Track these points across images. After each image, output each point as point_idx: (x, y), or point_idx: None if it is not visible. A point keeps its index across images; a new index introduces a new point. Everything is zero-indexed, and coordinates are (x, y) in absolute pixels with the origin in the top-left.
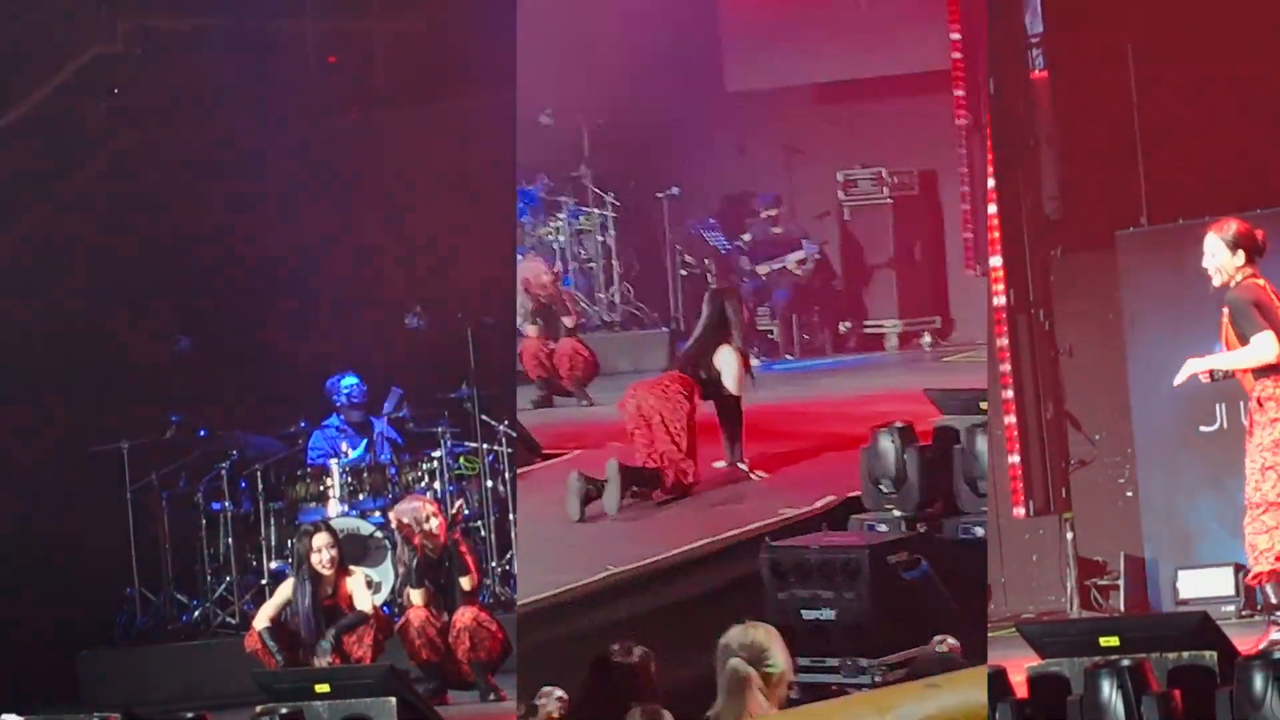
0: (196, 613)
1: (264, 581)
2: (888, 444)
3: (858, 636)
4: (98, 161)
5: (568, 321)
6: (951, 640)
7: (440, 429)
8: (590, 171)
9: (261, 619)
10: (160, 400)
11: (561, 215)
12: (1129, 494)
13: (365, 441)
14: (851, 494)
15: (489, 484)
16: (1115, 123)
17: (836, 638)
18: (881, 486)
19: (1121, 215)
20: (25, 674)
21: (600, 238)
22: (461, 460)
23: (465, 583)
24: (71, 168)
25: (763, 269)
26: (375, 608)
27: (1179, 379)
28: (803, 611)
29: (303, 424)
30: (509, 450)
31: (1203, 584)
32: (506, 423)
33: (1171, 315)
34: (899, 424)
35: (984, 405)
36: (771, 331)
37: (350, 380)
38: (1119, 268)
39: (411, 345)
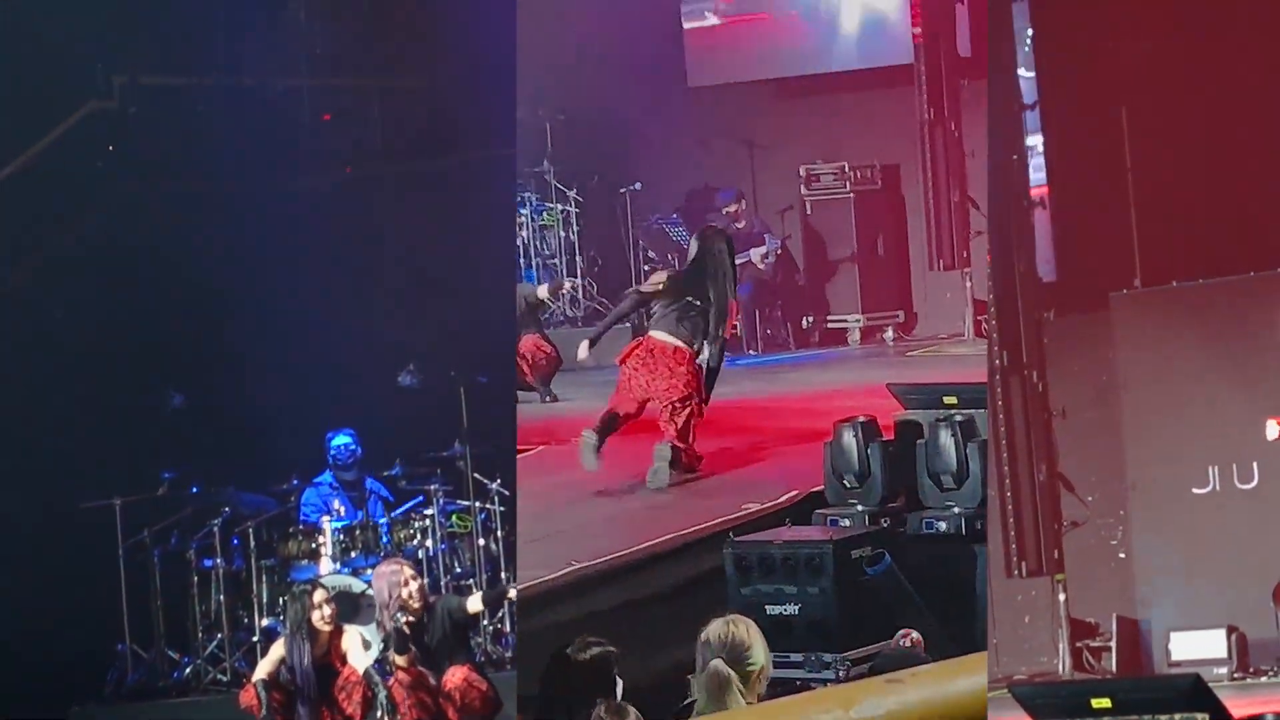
0: (188, 669)
1: (255, 638)
2: (850, 439)
3: (821, 632)
4: (92, 217)
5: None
6: (915, 634)
7: (433, 487)
8: (552, 167)
9: (259, 673)
10: (153, 456)
11: (524, 211)
12: (1121, 555)
13: (356, 501)
14: (815, 489)
15: (481, 542)
16: (1109, 185)
17: (800, 633)
18: (845, 481)
19: (1115, 277)
20: None
21: (563, 233)
22: (454, 518)
23: (472, 603)
24: (66, 223)
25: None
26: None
27: None
28: (766, 607)
29: (295, 481)
30: (501, 509)
31: (1196, 646)
32: (499, 481)
33: (1165, 377)
34: (862, 419)
35: (947, 400)
36: (735, 327)
37: (342, 439)
38: (1112, 329)
39: (405, 403)
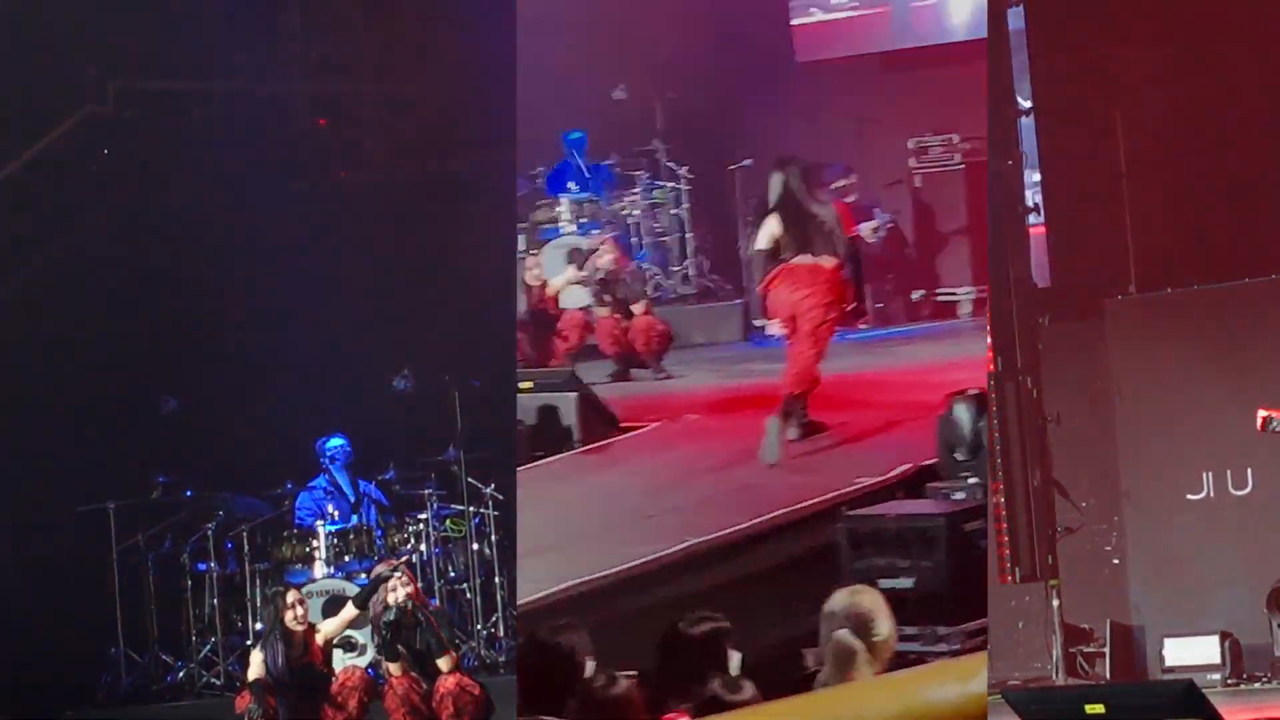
0: (181, 673)
1: (249, 642)
2: (963, 412)
3: (935, 605)
4: (86, 222)
5: (637, 309)
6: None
7: (427, 491)
8: (663, 146)
9: (251, 677)
10: (147, 461)
11: (636, 190)
12: (1115, 561)
13: (352, 503)
14: (927, 462)
15: (475, 547)
16: (1104, 191)
17: (914, 607)
18: (957, 454)
19: (1110, 283)
20: None
21: (674, 211)
22: (448, 523)
23: (444, 663)
24: (60, 229)
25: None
26: (363, 671)
27: None
28: (879, 581)
29: (289, 485)
30: (495, 513)
31: (1189, 652)
32: (493, 486)
33: (1159, 383)
34: (974, 391)
35: None
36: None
37: (337, 441)
38: (1107, 336)
39: (399, 407)
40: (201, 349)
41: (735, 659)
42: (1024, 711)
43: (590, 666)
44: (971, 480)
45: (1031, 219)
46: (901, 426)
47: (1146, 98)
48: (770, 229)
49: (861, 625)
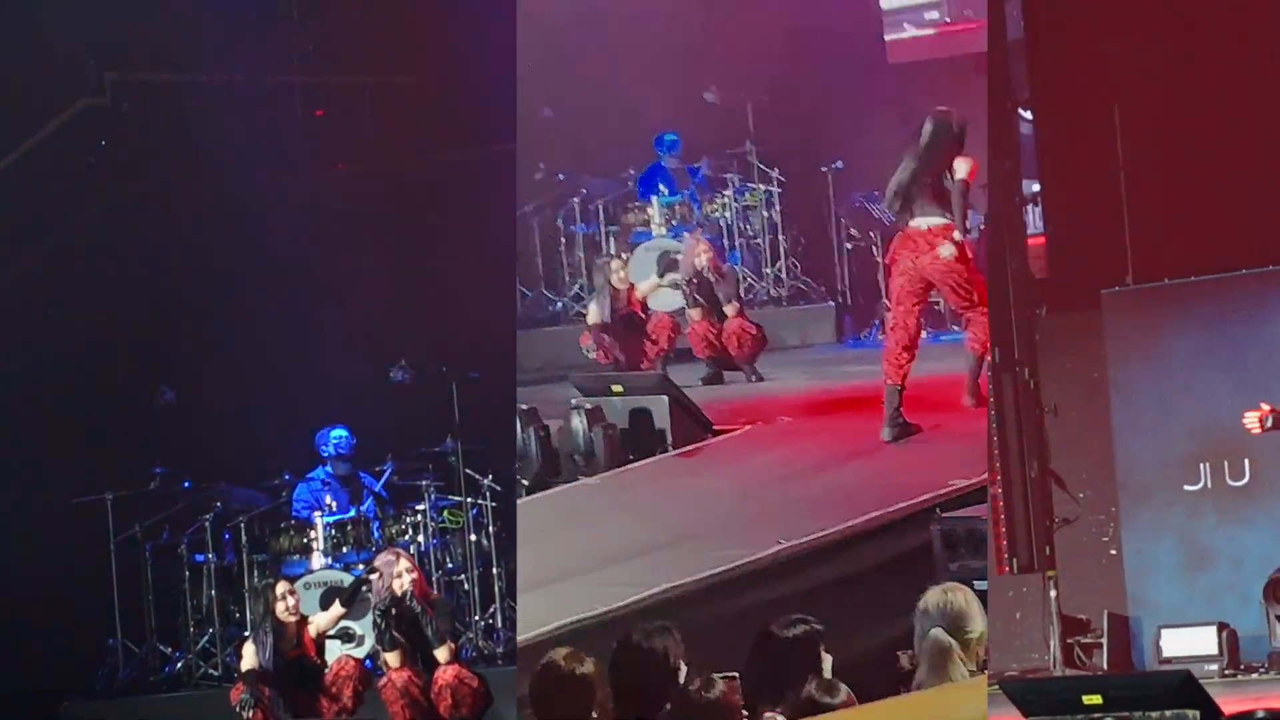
0: (179, 664)
1: (246, 633)
2: None
3: None
4: (84, 213)
5: (729, 311)
6: None
7: (425, 483)
8: (755, 148)
9: (245, 667)
10: (144, 452)
11: (727, 192)
12: (1113, 552)
13: (351, 496)
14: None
15: (473, 538)
16: (1101, 183)
17: None
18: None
19: (1107, 274)
20: None
21: (766, 213)
22: (445, 514)
23: (443, 654)
24: (58, 219)
25: None
26: (357, 660)
27: None
28: (974, 583)
29: (286, 476)
30: (493, 504)
31: (1186, 643)
32: (490, 477)
33: (1156, 374)
34: None
35: None
36: (938, 303)
37: (339, 432)
38: (1104, 327)
39: (396, 398)
40: (198, 340)
41: (828, 662)
42: (1021, 702)
43: (684, 670)
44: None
45: (1029, 209)
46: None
47: (1144, 90)
48: (901, 175)
49: (955, 623)
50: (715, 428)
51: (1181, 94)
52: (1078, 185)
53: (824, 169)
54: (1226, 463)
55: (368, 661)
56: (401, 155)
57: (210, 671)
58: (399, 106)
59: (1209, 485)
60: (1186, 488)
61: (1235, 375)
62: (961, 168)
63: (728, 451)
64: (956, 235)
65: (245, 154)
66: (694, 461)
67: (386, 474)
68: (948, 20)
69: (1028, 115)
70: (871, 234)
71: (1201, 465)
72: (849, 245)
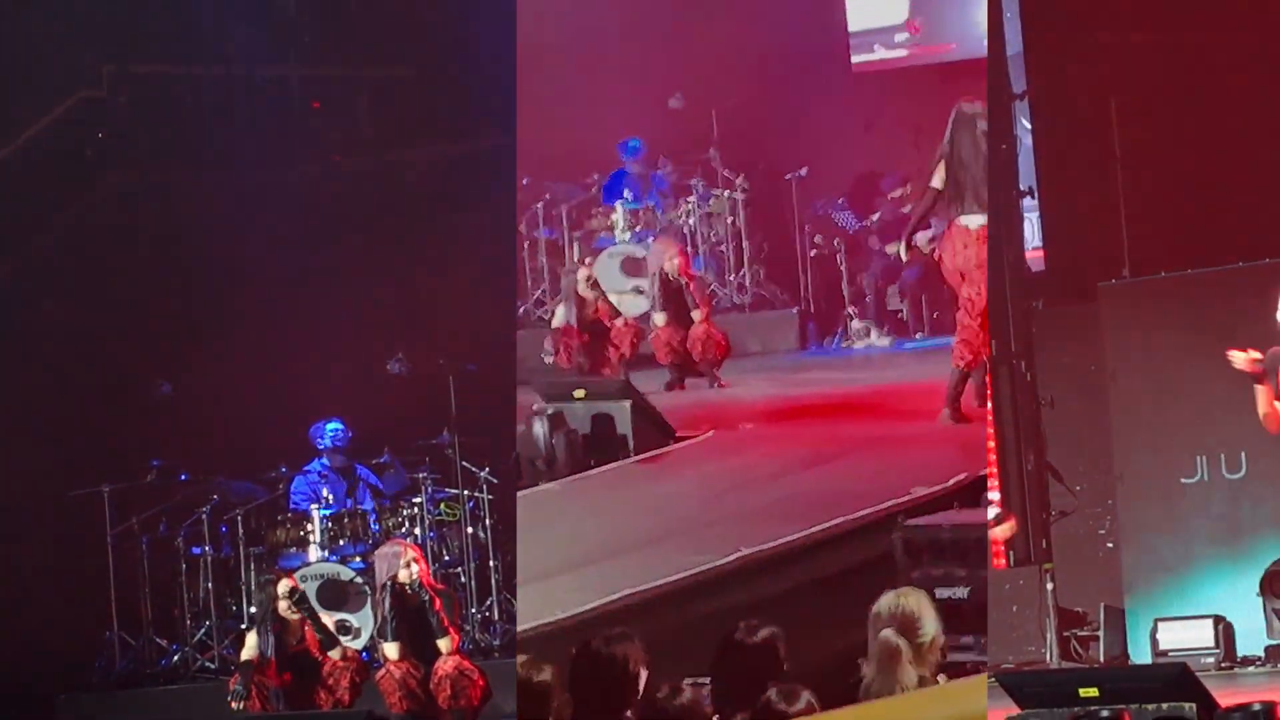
0: (175, 657)
1: (243, 626)
2: None
3: (981, 615)
4: (81, 205)
5: (696, 316)
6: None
7: (421, 475)
8: (719, 154)
9: (245, 658)
10: (142, 445)
11: (691, 199)
12: (1109, 545)
13: (347, 489)
14: (984, 472)
15: (469, 530)
16: (1098, 176)
17: (970, 615)
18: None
19: (1104, 267)
20: (4, 717)
21: (730, 220)
22: (442, 506)
23: (444, 644)
24: (55, 211)
25: (892, 249)
26: (354, 651)
27: None
28: (936, 590)
29: (283, 469)
30: (489, 497)
31: (1182, 635)
32: (487, 469)
33: (1153, 367)
34: None
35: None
36: (901, 311)
37: (334, 426)
38: (1101, 319)
39: (393, 391)
40: (195, 333)
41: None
42: (1018, 695)
43: (644, 676)
44: None
45: (1026, 203)
46: (958, 435)
47: (1141, 83)
48: (939, 173)
49: (906, 626)
50: (677, 434)
51: (1178, 87)
52: (1075, 178)
53: (788, 177)
54: (1223, 455)
55: (364, 654)
56: (398, 147)
57: (207, 664)
58: (396, 99)
59: (1205, 478)
60: (1183, 480)
61: (1231, 369)
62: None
63: (690, 458)
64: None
65: (242, 146)
66: (656, 468)
67: (399, 478)
68: (919, 42)
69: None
70: (835, 241)
71: (1198, 458)
72: (812, 252)
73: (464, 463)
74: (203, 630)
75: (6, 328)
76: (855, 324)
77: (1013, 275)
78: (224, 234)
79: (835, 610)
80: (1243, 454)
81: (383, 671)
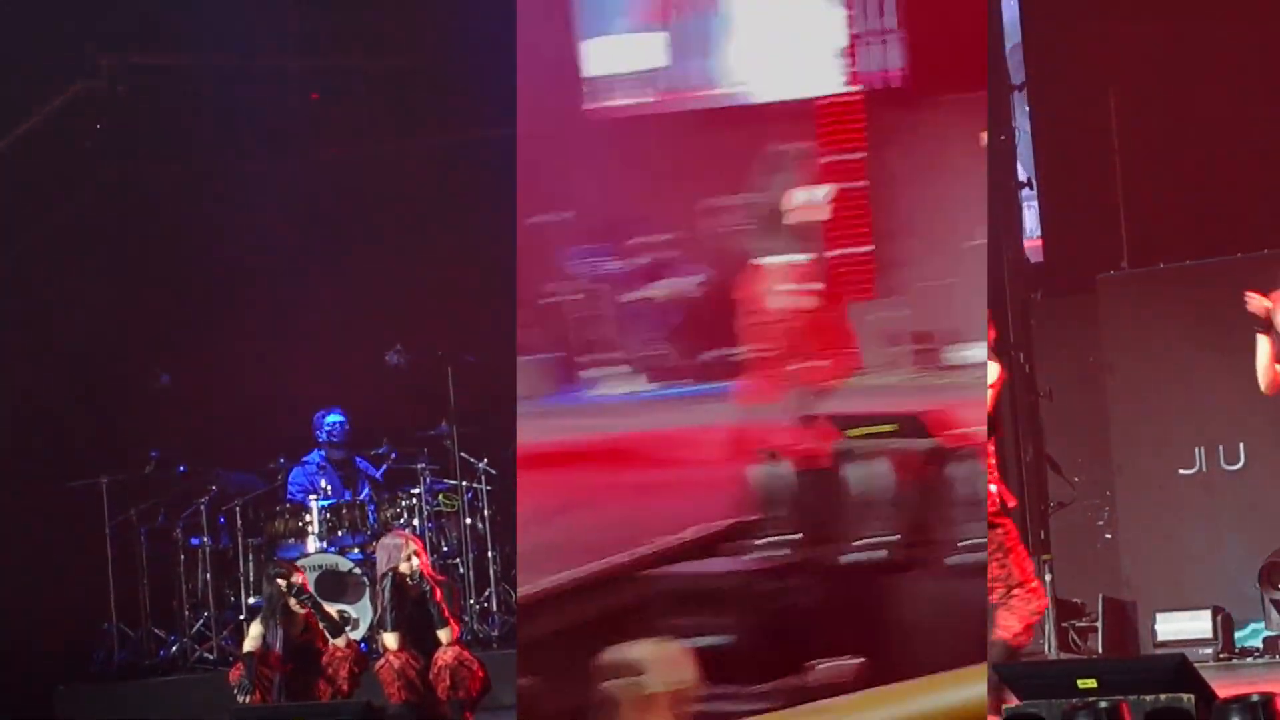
0: (174, 648)
1: (242, 617)
2: (783, 469)
3: (753, 661)
4: (80, 196)
5: (443, 635)
6: (846, 662)
7: (420, 466)
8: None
9: (247, 649)
10: (140, 436)
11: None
12: (1108, 536)
13: (345, 480)
14: (747, 518)
15: (468, 521)
16: (1097, 167)
17: (726, 663)
18: (769, 512)
19: (1102, 259)
20: (3, 709)
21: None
22: (441, 497)
23: (444, 635)
24: (54, 202)
25: (652, 293)
26: (352, 641)
27: None
28: (696, 636)
29: (281, 460)
30: (488, 488)
31: (1181, 627)
32: (486, 460)
33: (1152, 359)
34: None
35: (883, 429)
36: (666, 356)
37: (334, 418)
38: (1100, 311)
39: (392, 382)
40: (194, 324)
41: None
42: (1017, 686)
43: None
44: (784, 538)
45: (1025, 194)
46: (721, 482)
47: (1140, 74)
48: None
49: (626, 675)
50: None
51: (1177, 78)
52: (1073, 170)
53: (537, 220)
54: (1221, 447)
55: (363, 644)
56: (398, 138)
57: (205, 655)
58: (395, 89)
59: (1204, 469)
60: (1182, 471)
61: (1230, 361)
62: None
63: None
64: None
65: (241, 137)
66: None
67: (384, 465)
68: (670, 88)
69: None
70: (590, 286)
71: (1196, 449)
72: (568, 298)
73: (462, 454)
74: (201, 621)
75: (5, 318)
76: (613, 370)
77: (1011, 267)
78: (223, 225)
79: (588, 658)
80: (1241, 446)
81: (381, 661)
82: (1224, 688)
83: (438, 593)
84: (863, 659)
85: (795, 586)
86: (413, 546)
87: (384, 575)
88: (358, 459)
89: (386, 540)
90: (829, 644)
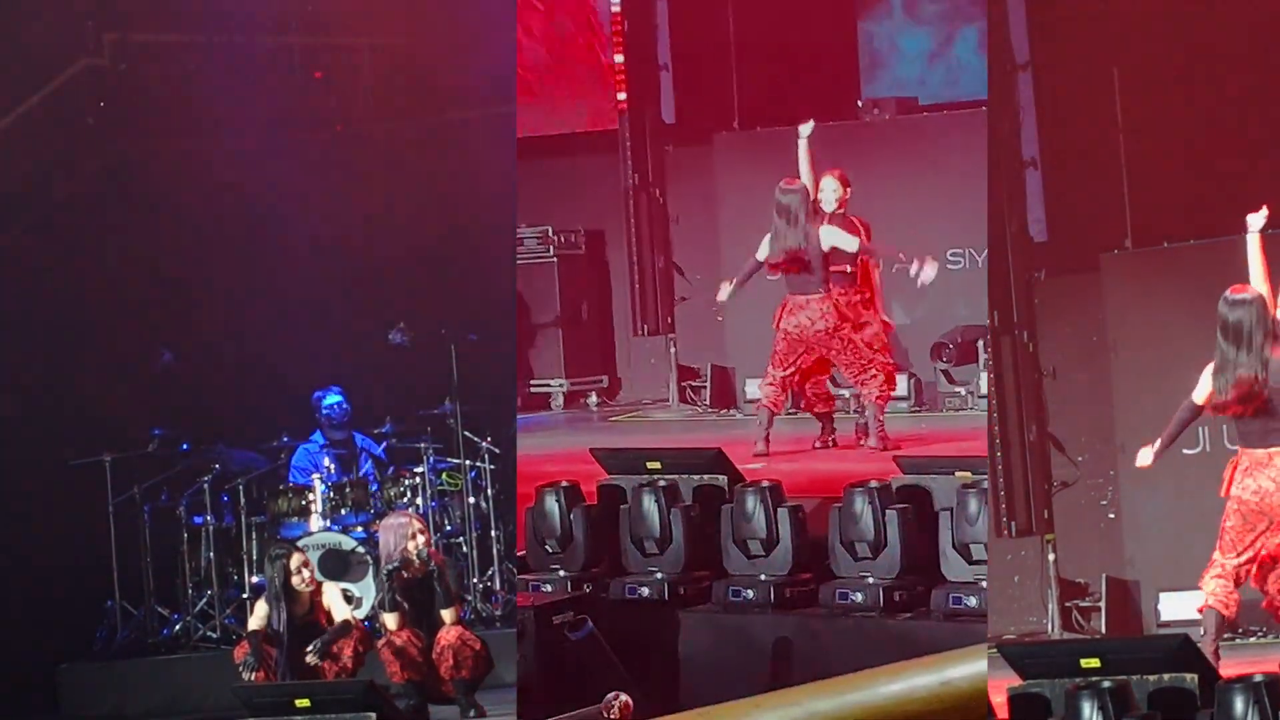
0: (177, 626)
1: (245, 595)
2: (553, 503)
3: (524, 697)
4: (83, 174)
5: (446, 615)
6: (625, 697)
7: (423, 445)
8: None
9: (252, 627)
10: (143, 414)
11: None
12: (1111, 516)
13: (346, 460)
14: (518, 553)
15: (471, 500)
16: (1101, 146)
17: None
18: (547, 546)
19: (1106, 237)
20: (5, 687)
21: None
22: (444, 476)
23: (448, 615)
24: (57, 180)
25: None
26: (356, 620)
27: None
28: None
29: (285, 439)
30: (491, 466)
31: (1184, 606)
32: (489, 439)
33: (1155, 337)
34: (564, 483)
35: (650, 465)
36: None
37: (333, 399)
38: (1103, 290)
39: (395, 360)
40: (196, 302)
41: None
42: (1020, 665)
43: None
44: (561, 573)
45: (1029, 173)
46: None
47: (1144, 52)
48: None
49: None
50: None
51: (1182, 56)
52: (1077, 149)
53: None
54: (1224, 427)
55: (367, 623)
56: (400, 117)
57: (209, 634)
58: (397, 68)
59: (1208, 449)
60: (1185, 451)
61: None
62: None
63: None
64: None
65: (244, 115)
66: None
67: (370, 447)
68: None
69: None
70: None
71: (1200, 429)
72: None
73: (466, 432)
74: (204, 600)
75: (7, 296)
76: None
77: (1015, 245)
78: (226, 203)
79: None
80: None
81: (383, 641)
82: (1227, 667)
83: (444, 572)
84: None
85: (569, 622)
86: (416, 526)
87: (389, 557)
88: (359, 436)
89: (390, 520)
90: (604, 679)
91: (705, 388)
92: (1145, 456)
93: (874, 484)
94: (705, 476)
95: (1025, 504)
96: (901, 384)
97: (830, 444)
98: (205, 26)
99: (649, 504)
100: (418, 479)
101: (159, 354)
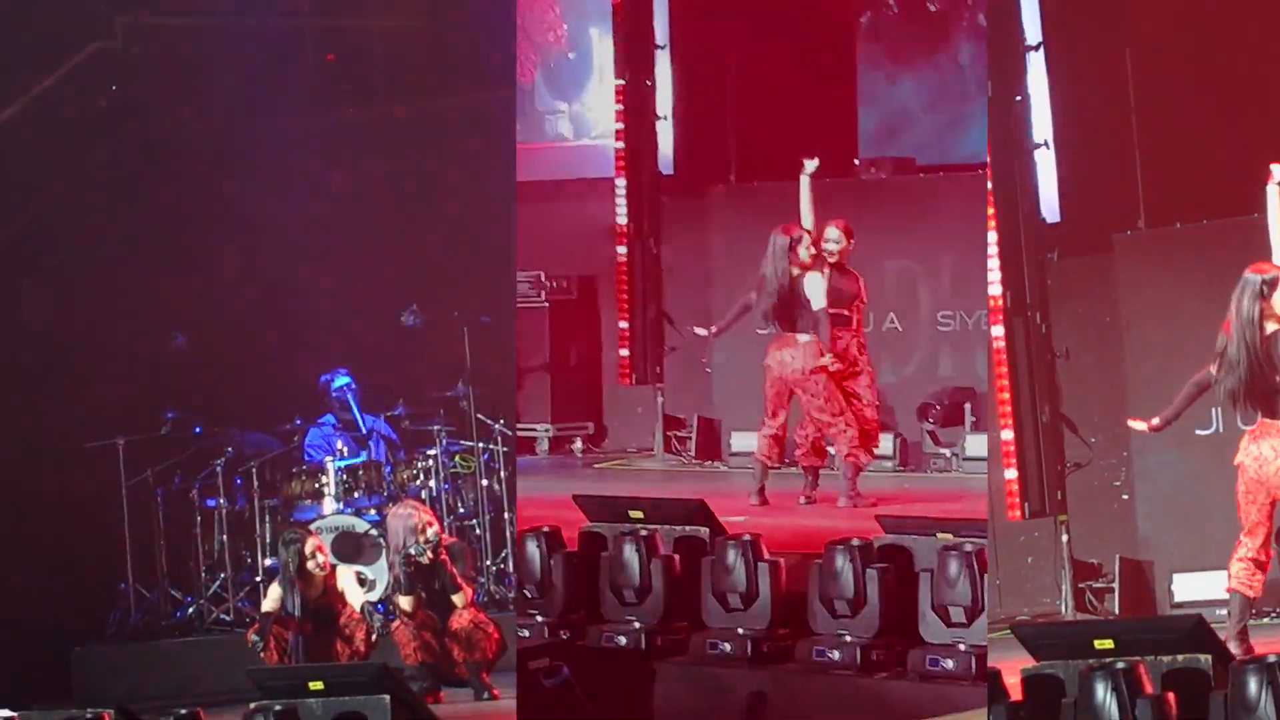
0: (191, 609)
1: (259, 578)
2: (534, 548)
3: None
4: (95, 157)
5: (458, 600)
6: None
7: (436, 427)
8: None
9: (266, 609)
10: (156, 396)
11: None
12: (1125, 497)
13: (359, 441)
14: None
15: (484, 483)
16: (1114, 126)
17: None
18: (527, 591)
19: (1119, 219)
20: (19, 670)
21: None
22: (457, 459)
23: (459, 599)
24: (69, 163)
25: None
26: (371, 604)
27: None
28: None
29: (298, 421)
30: (504, 449)
31: (1198, 587)
32: (502, 421)
33: (1168, 319)
34: (546, 529)
35: (633, 514)
36: None
37: (342, 381)
38: (1116, 271)
39: (408, 343)
40: (209, 284)
41: None
42: (1033, 646)
43: None
44: (539, 619)
45: (1041, 154)
46: None
47: (1157, 32)
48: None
49: None
50: None
51: (1194, 37)
52: (1090, 129)
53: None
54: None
55: (380, 605)
56: (412, 99)
57: (222, 616)
58: (409, 51)
59: (1221, 430)
60: (1199, 432)
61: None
62: None
63: None
64: None
65: (256, 98)
66: None
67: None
68: None
69: None
70: None
71: (1213, 410)
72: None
73: (479, 415)
74: (217, 583)
75: (22, 279)
76: None
77: (1028, 226)
78: (237, 186)
79: None
80: None
81: (397, 624)
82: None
83: (449, 563)
84: None
85: (544, 668)
86: (425, 517)
87: (398, 549)
88: (370, 418)
89: (398, 510)
90: None
91: (691, 438)
92: (1138, 425)
93: (855, 542)
94: (687, 528)
95: (1038, 485)
96: (886, 443)
97: (812, 500)
98: (217, 9)
99: (630, 553)
100: (430, 461)
101: (172, 337)
